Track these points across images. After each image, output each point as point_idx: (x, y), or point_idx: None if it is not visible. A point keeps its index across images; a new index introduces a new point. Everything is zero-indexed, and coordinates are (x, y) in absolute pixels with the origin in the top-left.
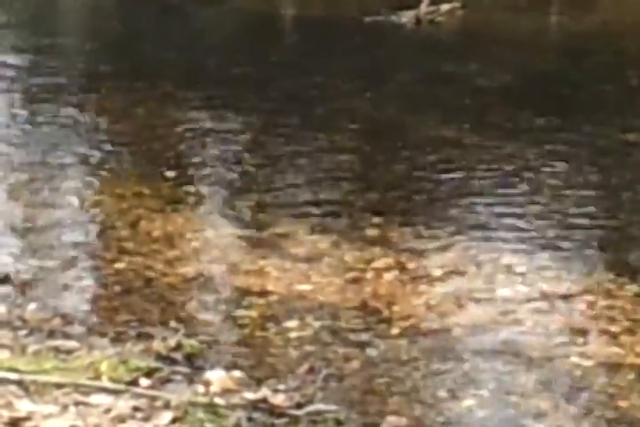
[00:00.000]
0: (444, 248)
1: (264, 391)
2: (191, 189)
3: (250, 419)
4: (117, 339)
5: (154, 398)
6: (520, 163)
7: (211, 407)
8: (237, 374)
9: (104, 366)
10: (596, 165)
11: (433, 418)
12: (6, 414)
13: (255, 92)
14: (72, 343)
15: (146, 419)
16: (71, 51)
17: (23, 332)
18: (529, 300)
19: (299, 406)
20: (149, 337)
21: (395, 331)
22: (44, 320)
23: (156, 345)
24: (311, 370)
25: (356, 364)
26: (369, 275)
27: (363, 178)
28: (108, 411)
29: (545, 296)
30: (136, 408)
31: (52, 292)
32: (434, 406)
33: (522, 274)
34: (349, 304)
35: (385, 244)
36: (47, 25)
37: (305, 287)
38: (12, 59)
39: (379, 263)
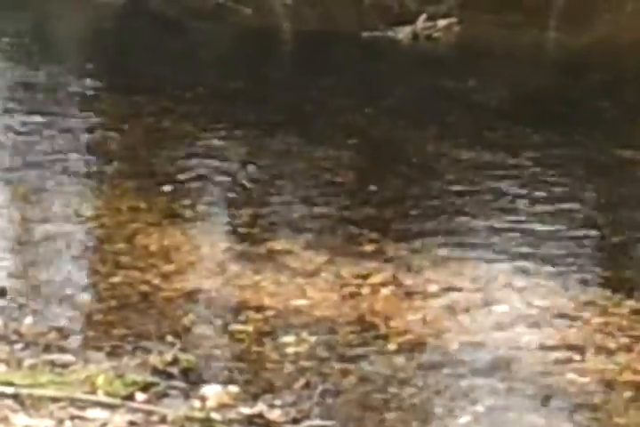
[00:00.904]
0: (441, 264)
1: (260, 406)
2: (188, 203)
3: None
4: (113, 353)
5: (150, 413)
6: (517, 179)
7: (207, 422)
8: (234, 388)
9: (100, 381)
10: (593, 181)
11: None
12: None
13: (252, 108)
14: (68, 357)
15: None
16: (68, 65)
17: (19, 346)
18: (525, 316)
19: (295, 421)
20: (146, 351)
21: (391, 346)
22: (40, 334)
23: (153, 359)
24: (307, 385)
25: (352, 379)
26: (365, 290)
27: (359, 193)
28: (103, 425)
29: (541, 312)
30: (132, 423)
31: (48, 306)
32: (430, 421)
33: (518, 290)
34: (346, 319)
35: (381, 259)
36: (45, 39)
37: (301, 302)
38: (8, 71)
39: (375, 279)
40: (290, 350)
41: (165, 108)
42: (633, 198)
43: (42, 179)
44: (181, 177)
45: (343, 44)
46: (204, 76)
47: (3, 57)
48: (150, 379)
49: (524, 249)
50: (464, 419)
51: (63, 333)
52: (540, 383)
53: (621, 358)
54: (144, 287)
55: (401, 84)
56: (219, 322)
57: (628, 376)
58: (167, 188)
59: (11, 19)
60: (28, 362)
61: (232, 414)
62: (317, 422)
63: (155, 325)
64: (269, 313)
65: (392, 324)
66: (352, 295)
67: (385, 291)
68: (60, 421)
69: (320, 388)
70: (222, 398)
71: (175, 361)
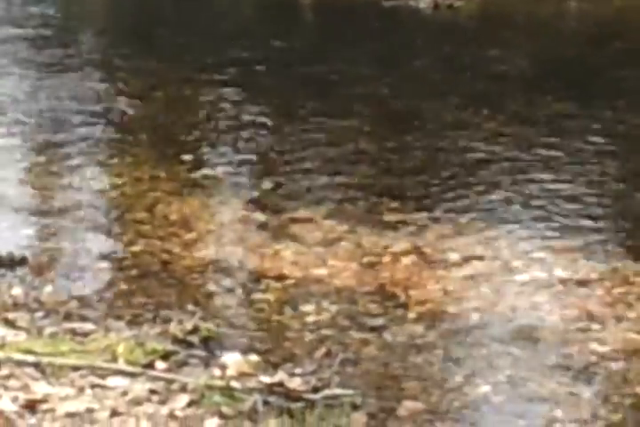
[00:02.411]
0: (462, 233)
1: (280, 375)
2: (208, 172)
3: (266, 403)
4: (134, 322)
5: (170, 382)
6: (538, 148)
7: (227, 391)
8: (254, 357)
9: (120, 349)
10: (614, 150)
11: (449, 403)
12: (23, 396)
13: (273, 77)
14: (88, 326)
15: (162, 402)
16: (89, 35)
17: (40, 314)
18: (546, 285)
19: (315, 390)
20: (166, 320)
21: (411, 316)
22: (60, 303)
23: (173, 328)
24: (327, 354)
25: (372, 348)
26: (386, 259)
27: (380, 163)
28: (124, 394)
29: (562, 282)
30: (152, 391)
31: (68, 274)
32: (450, 391)
33: (539, 259)
34: (366, 289)
35: (402, 228)
36: (67, 10)
37: (321, 272)
38: (30, 40)
39: (396, 248)
40: (310, 318)
41: (187, 78)
42: None
43: (62, 148)
44: (202, 146)
45: (364, 13)
46: (226, 45)
47: (28, 26)
48: (170, 347)
49: (545, 218)
50: (484, 388)
51: (84, 301)
52: (561, 353)
53: None
54: (165, 256)
55: (422, 53)
56: (239, 291)
57: None
58: (188, 157)
59: None
60: (48, 330)
61: (252, 383)
62: (337, 390)
63: (175, 293)
64: (290, 282)
65: (412, 293)
66: (372, 265)
67: (405, 260)
68: (81, 389)
69: (340, 357)
70: (242, 366)
71: (195, 330)
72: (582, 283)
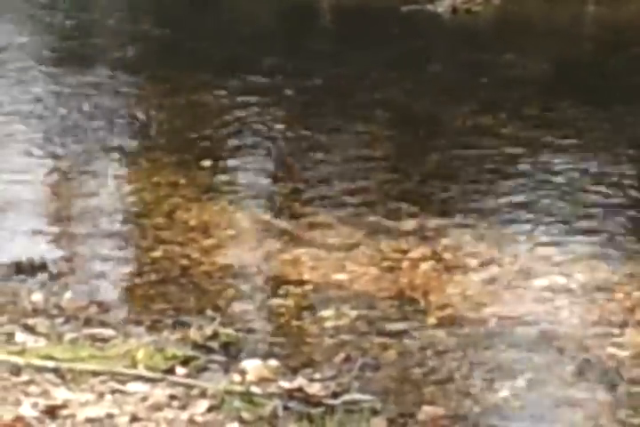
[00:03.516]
0: (480, 238)
1: (300, 381)
2: (227, 178)
3: (286, 408)
4: (154, 327)
5: (190, 387)
6: (556, 153)
7: (247, 396)
8: (273, 363)
9: (140, 355)
10: (631, 155)
11: (469, 408)
12: (43, 402)
13: (291, 82)
14: (108, 331)
15: (182, 407)
16: (106, 40)
17: (60, 320)
18: (565, 290)
19: (335, 395)
20: (185, 326)
21: (431, 321)
22: (80, 308)
23: (193, 334)
24: (347, 359)
25: (392, 353)
26: (405, 264)
27: (398, 167)
28: (144, 399)
29: (582, 286)
30: (172, 397)
31: (88, 280)
32: (470, 396)
33: (558, 264)
34: (385, 294)
35: (421, 234)
36: (82, 11)
37: (341, 277)
38: (48, 46)
39: (415, 253)
40: (329, 324)
41: (205, 83)
42: None
43: (81, 153)
44: (221, 152)
45: (382, 17)
46: (243, 50)
47: (43, 31)
48: (190, 353)
49: (564, 223)
50: (503, 393)
51: (103, 307)
52: (581, 358)
53: None
54: (184, 262)
55: (440, 58)
56: (258, 296)
57: None
58: (207, 162)
59: None
60: (68, 336)
61: (272, 388)
62: (357, 395)
63: (195, 299)
64: (309, 287)
65: (432, 298)
66: (391, 270)
67: (424, 265)
68: (101, 395)
69: (360, 362)
70: (262, 372)
71: (215, 335)
72: (602, 288)
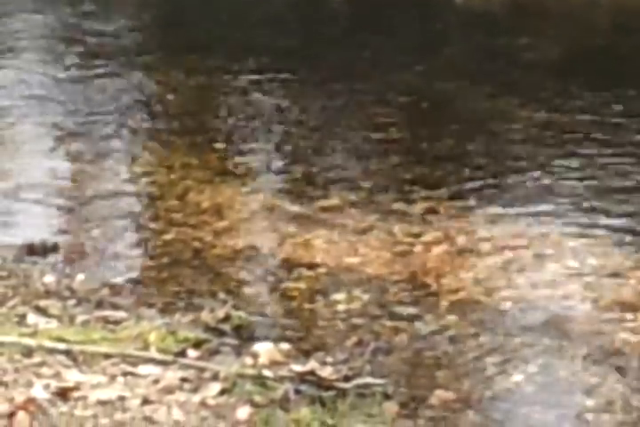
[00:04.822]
0: (493, 222)
1: (312, 364)
2: (240, 160)
3: (297, 391)
4: (166, 310)
5: (202, 370)
6: (570, 137)
7: (258, 379)
8: (285, 346)
9: (152, 337)
10: None
11: (481, 393)
12: (55, 383)
13: (306, 65)
14: (120, 314)
15: (194, 390)
16: (121, 24)
17: (72, 302)
18: (578, 275)
19: (346, 379)
20: (198, 308)
21: (443, 305)
22: (92, 290)
23: (205, 316)
24: (359, 343)
25: (404, 337)
26: (417, 248)
27: (412, 151)
28: (156, 382)
29: (595, 271)
30: (184, 379)
31: (100, 262)
32: (482, 380)
33: (572, 249)
34: (398, 277)
35: (434, 217)
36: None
37: (353, 260)
38: (62, 29)
39: (427, 237)
40: (341, 307)
41: (218, 66)
42: None
43: (94, 136)
44: (234, 134)
45: (397, 1)
46: (257, 34)
47: (61, 15)
48: (202, 336)
49: (577, 207)
50: (516, 378)
51: (115, 289)
52: (593, 343)
53: None
54: (196, 244)
55: (454, 42)
56: (270, 279)
57: None
58: (219, 145)
59: None
60: (80, 318)
61: (283, 372)
62: (369, 379)
63: (207, 282)
64: (321, 271)
65: (444, 282)
66: (404, 253)
67: (437, 249)
68: (113, 377)
69: (372, 345)
70: (274, 355)
71: (227, 318)
72: (615, 273)
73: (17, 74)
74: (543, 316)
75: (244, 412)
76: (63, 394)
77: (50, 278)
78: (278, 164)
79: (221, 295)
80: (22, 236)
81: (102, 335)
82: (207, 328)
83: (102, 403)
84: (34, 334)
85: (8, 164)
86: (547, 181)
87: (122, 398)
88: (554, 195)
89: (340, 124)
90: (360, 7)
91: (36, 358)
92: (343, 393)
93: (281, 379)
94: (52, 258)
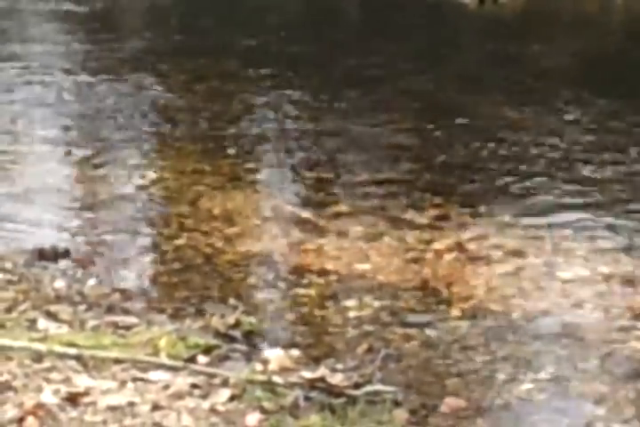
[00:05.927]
0: (505, 230)
1: (322, 371)
2: (251, 166)
3: (307, 398)
4: (176, 315)
5: (212, 376)
6: (582, 145)
7: (268, 386)
8: (295, 352)
9: (163, 343)
10: None
11: (491, 401)
12: (65, 388)
13: (316, 71)
14: (131, 319)
15: (204, 396)
16: (133, 29)
17: (82, 307)
18: (589, 283)
19: (357, 386)
20: (208, 314)
21: (454, 312)
22: (103, 296)
23: (215, 322)
24: (370, 350)
25: (415, 345)
26: (429, 255)
27: (423, 158)
28: (166, 387)
29: (606, 279)
30: (194, 385)
31: (111, 267)
32: (492, 388)
33: (582, 256)
34: (409, 285)
35: (445, 224)
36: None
37: (364, 267)
38: (74, 33)
39: (439, 244)
40: (352, 314)
41: (230, 72)
42: None
43: (105, 142)
44: (245, 140)
45: (409, 8)
46: (269, 39)
47: (71, 22)
48: (213, 342)
49: (589, 216)
50: (527, 386)
51: (126, 294)
52: (604, 351)
53: None
54: (207, 250)
55: (466, 48)
56: (281, 285)
57: None
58: (231, 151)
59: None
60: (91, 323)
61: (294, 378)
62: (379, 386)
63: (217, 287)
64: (332, 277)
65: (455, 289)
66: (415, 260)
67: (448, 256)
68: (123, 382)
69: (382, 353)
70: (284, 361)
71: (237, 324)
72: (626, 280)
73: (28, 79)
74: (554, 324)
75: (253, 418)
76: (73, 399)
77: (60, 283)
78: (290, 170)
79: (232, 301)
80: (33, 241)
81: (113, 341)
82: (217, 334)
83: (112, 408)
84: (44, 339)
85: (19, 168)
86: (558, 190)
87: (132, 404)
88: (565, 203)
89: (351, 130)
90: (372, 13)
91: (46, 363)
92: (353, 400)
93: (291, 385)
94: (62, 263)
